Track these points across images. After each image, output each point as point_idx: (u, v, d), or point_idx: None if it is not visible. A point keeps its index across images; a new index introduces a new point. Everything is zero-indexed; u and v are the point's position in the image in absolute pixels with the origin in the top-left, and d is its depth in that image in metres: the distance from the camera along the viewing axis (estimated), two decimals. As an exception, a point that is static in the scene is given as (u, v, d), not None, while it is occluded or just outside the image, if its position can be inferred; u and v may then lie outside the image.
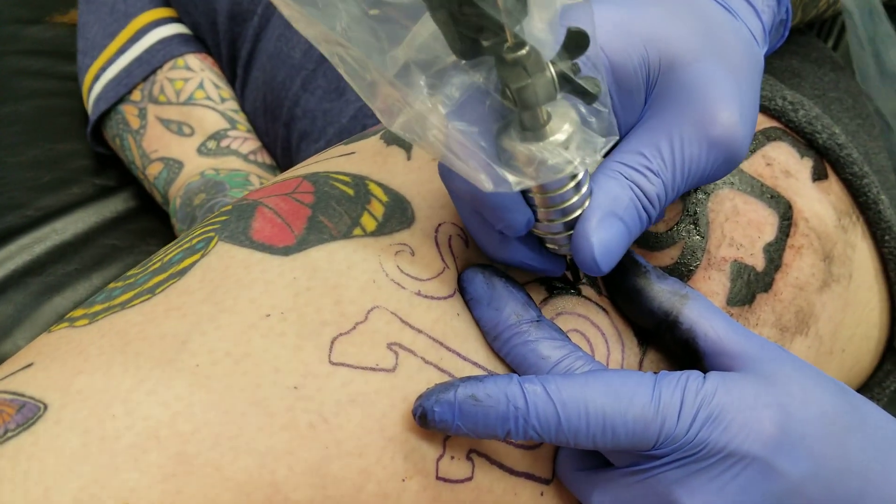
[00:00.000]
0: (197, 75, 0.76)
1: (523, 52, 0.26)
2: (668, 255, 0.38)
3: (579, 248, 0.32)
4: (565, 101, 0.29)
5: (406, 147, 0.39)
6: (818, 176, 0.43)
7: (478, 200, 0.31)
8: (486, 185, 0.28)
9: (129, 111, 0.77)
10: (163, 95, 0.76)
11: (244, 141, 0.74)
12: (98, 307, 0.34)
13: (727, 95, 0.32)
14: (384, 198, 0.37)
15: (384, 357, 0.32)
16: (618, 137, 0.30)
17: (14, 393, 0.31)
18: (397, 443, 0.32)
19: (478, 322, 0.35)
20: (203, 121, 0.74)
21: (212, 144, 0.73)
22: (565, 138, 0.28)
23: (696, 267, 0.38)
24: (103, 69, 0.79)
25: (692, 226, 0.39)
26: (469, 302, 0.35)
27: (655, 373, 0.32)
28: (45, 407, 0.30)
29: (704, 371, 0.33)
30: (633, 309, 0.36)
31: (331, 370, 0.32)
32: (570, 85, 0.28)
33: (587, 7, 0.28)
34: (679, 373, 0.32)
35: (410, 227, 0.36)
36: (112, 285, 0.36)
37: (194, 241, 0.36)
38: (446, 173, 0.33)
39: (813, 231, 0.41)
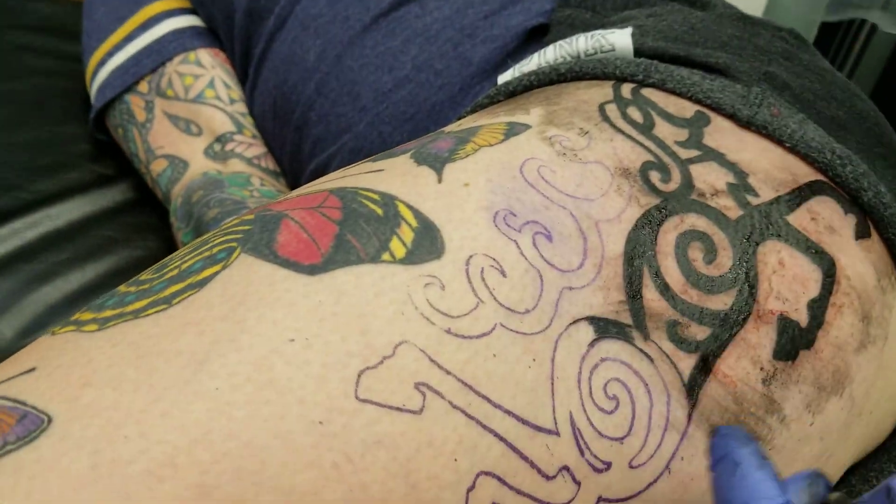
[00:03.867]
0: (208, 72, 0.74)
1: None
2: (722, 301, 0.37)
3: None
4: None
5: (437, 168, 0.37)
6: (861, 234, 0.42)
7: None
8: None
9: (135, 102, 0.74)
10: (171, 90, 0.73)
11: (249, 146, 0.72)
12: (109, 312, 0.32)
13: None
14: (414, 223, 0.34)
15: (411, 397, 0.30)
16: None
17: (14, 400, 0.29)
18: (420, 490, 0.30)
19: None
20: (211, 121, 0.72)
21: (217, 147, 0.71)
22: None
23: (748, 317, 0.37)
24: (110, 54, 0.77)
25: (744, 274, 0.37)
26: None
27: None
28: (49, 419, 0.28)
29: None
30: None
31: (357, 407, 0.30)
32: None
33: None
34: None
35: (440, 257, 0.34)
36: (124, 289, 0.34)
37: (215, 251, 0.34)
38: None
39: (854, 290, 0.40)
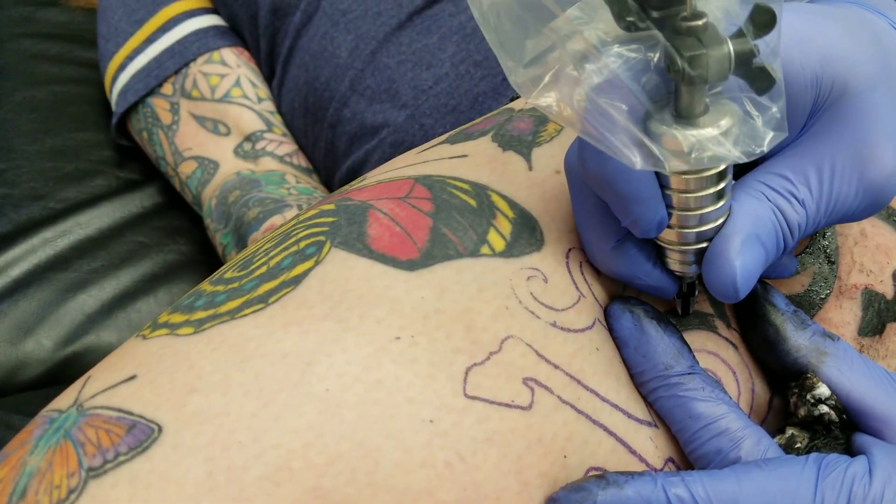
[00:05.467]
0: (234, 71, 0.73)
1: (699, 22, 0.24)
2: (799, 282, 0.36)
3: (717, 269, 0.29)
4: (725, 98, 0.27)
5: (524, 154, 0.36)
6: None
7: (609, 187, 0.29)
8: (636, 160, 0.26)
9: (159, 105, 0.73)
10: (196, 90, 0.72)
11: (280, 144, 0.71)
12: (202, 314, 0.31)
13: (890, 135, 0.30)
14: (510, 213, 0.34)
15: (520, 393, 0.30)
16: (787, 135, 0.27)
17: (120, 410, 0.28)
18: (532, 488, 0.29)
19: (625, 363, 0.32)
20: (239, 120, 0.71)
21: (247, 146, 0.70)
22: (725, 129, 0.26)
23: (828, 295, 0.36)
24: (130, 58, 0.76)
25: (823, 251, 0.37)
26: (616, 340, 0.33)
27: (810, 452, 0.30)
28: (160, 429, 0.27)
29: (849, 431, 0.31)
30: (766, 358, 0.34)
31: (466, 404, 0.29)
32: (745, 67, 0.26)
33: None
34: (842, 466, 0.29)
35: (541, 250, 0.33)
36: (210, 288, 0.33)
37: (302, 245, 0.33)
38: (579, 154, 0.30)
39: (936, 258, 0.40)
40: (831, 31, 0.30)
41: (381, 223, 0.33)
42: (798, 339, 0.32)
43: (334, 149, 0.66)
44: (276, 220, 0.61)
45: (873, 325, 0.37)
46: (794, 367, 0.32)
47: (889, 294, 0.37)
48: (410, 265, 0.31)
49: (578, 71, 0.27)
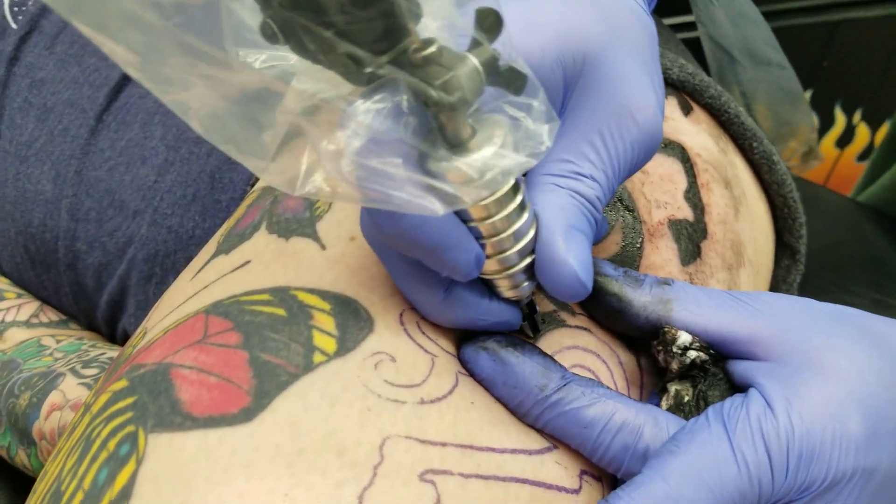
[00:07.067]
0: None
1: (433, 49, 0.23)
2: (613, 241, 0.36)
3: (556, 274, 0.28)
4: (485, 114, 0.25)
5: (310, 234, 0.33)
6: (686, 110, 0.43)
7: (414, 244, 0.27)
8: (435, 206, 0.24)
9: None
10: None
11: (20, 308, 0.62)
12: None
13: (642, 83, 0.30)
14: (326, 305, 0.30)
15: (423, 493, 0.27)
16: (559, 123, 0.26)
17: None
18: None
19: (500, 401, 0.30)
20: None
21: None
22: (501, 142, 0.25)
23: (642, 242, 0.36)
24: None
25: (619, 203, 0.36)
26: (481, 383, 0.30)
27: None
28: None
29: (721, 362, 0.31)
30: (618, 327, 0.33)
31: None
32: (494, 74, 0.24)
33: None
34: (742, 412, 0.29)
35: (374, 329, 0.30)
36: None
37: (111, 446, 0.27)
38: (373, 221, 0.27)
39: (708, 163, 0.41)
40: (552, 8, 0.29)
41: (191, 382, 0.28)
42: (640, 297, 0.32)
43: (83, 289, 0.58)
44: (54, 397, 0.52)
45: (690, 251, 0.38)
46: (648, 325, 0.32)
47: (690, 216, 0.38)
48: (246, 414, 0.27)
49: (334, 142, 0.24)
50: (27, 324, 0.61)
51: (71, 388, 0.52)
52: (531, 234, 0.28)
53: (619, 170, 0.30)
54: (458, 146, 0.24)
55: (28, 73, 0.58)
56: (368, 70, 0.23)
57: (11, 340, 0.60)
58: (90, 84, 0.57)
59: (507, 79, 0.25)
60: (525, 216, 0.28)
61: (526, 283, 0.30)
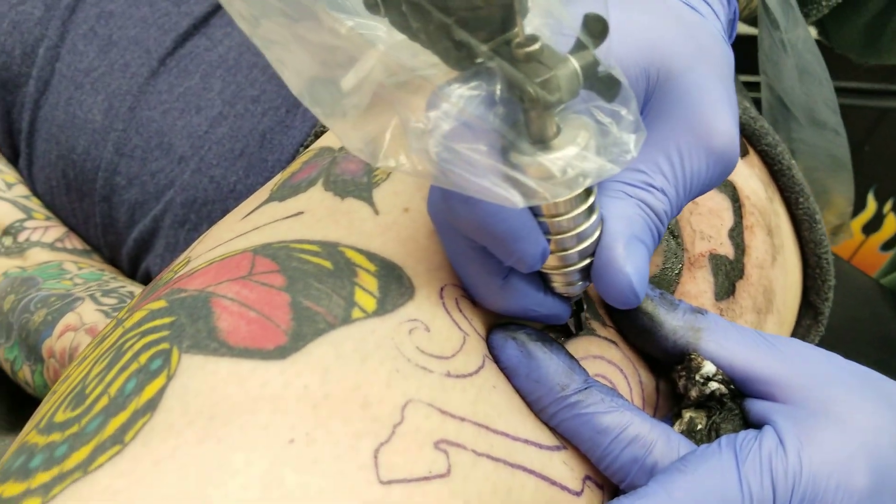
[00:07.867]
0: None
1: (536, 46, 0.23)
2: (653, 263, 0.36)
3: (612, 280, 0.29)
4: (571, 114, 0.26)
5: (366, 198, 0.33)
6: (743, 152, 0.44)
7: (485, 230, 0.27)
8: (515, 199, 0.24)
9: None
10: None
11: (46, 230, 0.62)
12: (44, 476, 0.25)
13: (722, 104, 0.31)
14: (371, 266, 0.31)
15: (435, 460, 0.27)
16: (646, 134, 0.27)
17: None
18: None
19: (519, 392, 0.31)
20: None
21: (8, 241, 0.61)
22: (585, 143, 0.25)
23: (681, 269, 0.37)
24: None
25: (666, 229, 0.37)
26: (504, 371, 0.31)
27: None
28: None
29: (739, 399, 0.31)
30: (646, 346, 0.34)
31: (384, 491, 0.26)
32: (591, 79, 0.25)
33: None
34: (755, 445, 0.29)
35: (414, 297, 0.30)
36: (39, 440, 0.27)
37: (143, 360, 0.28)
38: (446, 202, 0.28)
39: (755, 208, 0.42)
40: (644, 20, 0.30)
41: (231, 312, 0.29)
42: (672, 321, 0.33)
43: (114, 222, 0.59)
44: (70, 318, 0.53)
45: (725, 288, 0.38)
46: (675, 350, 0.33)
47: (730, 254, 0.39)
48: (281, 352, 0.28)
49: (423, 121, 0.24)
50: (52, 246, 0.61)
51: (88, 313, 0.53)
52: (595, 236, 0.29)
53: (690, 188, 0.31)
54: (541, 142, 0.25)
55: (98, 3, 0.59)
56: (475, 59, 0.24)
57: (33, 259, 0.61)
58: (158, 27, 0.58)
59: (604, 85, 0.25)
60: (592, 219, 0.28)
61: (580, 283, 0.30)
